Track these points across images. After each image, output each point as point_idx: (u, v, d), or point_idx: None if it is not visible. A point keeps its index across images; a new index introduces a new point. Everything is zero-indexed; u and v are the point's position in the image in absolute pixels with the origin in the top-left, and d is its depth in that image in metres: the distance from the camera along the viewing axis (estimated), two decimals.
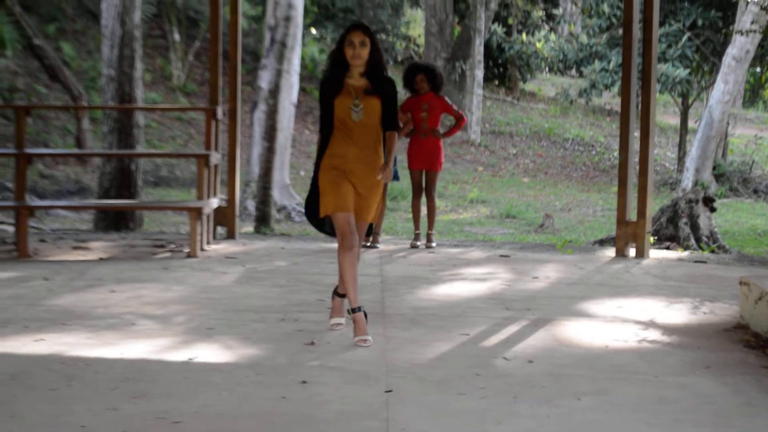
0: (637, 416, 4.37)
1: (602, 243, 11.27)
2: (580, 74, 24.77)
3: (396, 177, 8.64)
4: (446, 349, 5.51)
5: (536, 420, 4.26)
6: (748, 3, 17.72)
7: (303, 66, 20.28)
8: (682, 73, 20.40)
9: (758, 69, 19.94)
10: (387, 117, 5.69)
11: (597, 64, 22.27)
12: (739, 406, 4.57)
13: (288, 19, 14.70)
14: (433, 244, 9.70)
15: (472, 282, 7.76)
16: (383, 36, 27.76)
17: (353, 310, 5.52)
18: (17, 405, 4.35)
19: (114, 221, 12.40)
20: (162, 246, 9.20)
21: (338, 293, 5.84)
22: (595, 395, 4.67)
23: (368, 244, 9.33)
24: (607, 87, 22.34)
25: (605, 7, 21.86)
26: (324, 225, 5.73)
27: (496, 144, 24.56)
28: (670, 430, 4.21)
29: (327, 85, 5.70)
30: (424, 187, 9.62)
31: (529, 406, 4.44)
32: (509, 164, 23.32)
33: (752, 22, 16.84)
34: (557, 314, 6.45)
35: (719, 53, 20.14)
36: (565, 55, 23.88)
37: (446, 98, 9.68)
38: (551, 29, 29.72)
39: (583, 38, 23.15)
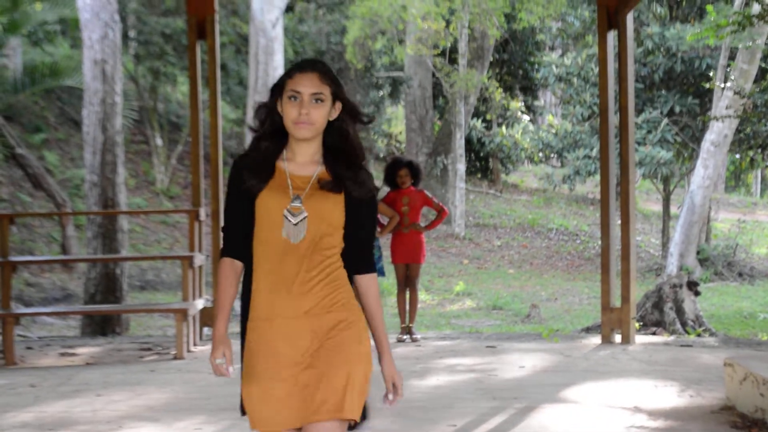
0: None
1: (588, 330, 11.25)
2: (562, 164, 25.04)
3: (381, 273, 8.68)
4: None
5: None
6: (723, 89, 18.05)
7: None
8: (664, 155, 20.62)
9: (737, 155, 20.21)
10: (361, 236, 3.10)
11: (580, 152, 22.50)
12: None
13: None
14: (417, 336, 9.71)
15: (459, 373, 7.77)
16: (364, 134, 28.04)
17: None
18: None
19: (101, 326, 12.38)
20: (149, 349, 9.14)
21: None
22: None
23: (404, 338, 9.58)
24: (590, 174, 22.52)
25: (587, 96, 22.18)
26: None
27: (481, 236, 24.63)
28: None
29: (250, 172, 3.06)
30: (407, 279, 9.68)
31: None
32: (494, 256, 23.37)
33: (727, 107, 17.14)
34: (544, 402, 6.41)
35: (698, 139, 20.41)
36: (545, 144, 24.14)
37: (426, 191, 9.81)
38: (531, 120, 30.12)
39: (567, 126, 23.42)
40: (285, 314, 3.03)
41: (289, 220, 3.00)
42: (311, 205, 3.01)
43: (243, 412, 3.22)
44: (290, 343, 3.02)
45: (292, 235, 3.00)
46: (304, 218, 3.00)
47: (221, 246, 3.15)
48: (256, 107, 3.18)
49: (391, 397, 3.09)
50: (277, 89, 3.09)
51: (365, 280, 3.13)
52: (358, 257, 3.11)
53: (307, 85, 3.01)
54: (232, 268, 3.08)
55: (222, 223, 3.17)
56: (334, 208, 3.04)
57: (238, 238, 3.08)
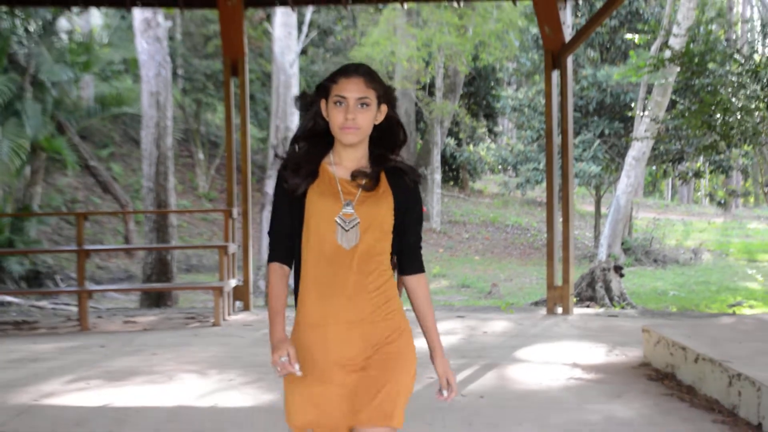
0: None
1: (537, 304, 11.26)
2: (516, 174, 25.03)
3: None
4: (416, 390, 5.49)
5: None
6: (642, 116, 18.07)
7: None
8: (595, 169, 20.65)
9: (653, 167, 20.25)
10: (411, 241, 2.56)
11: (530, 165, 22.51)
12: (645, 424, 4.61)
13: (286, 139, 14.89)
14: None
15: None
16: None
17: None
18: None
19: (155, 300, 12.41)
20: (193, 318, 9.16)
21: None
22: (532, 421, 4.70)
23: None
24: (537, 182, 22.52)
25: (535, 122, 22.16)
26: None
27: (453, 231, 24.62)
28: None
29: (290, 171, 2.49)
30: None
31: (478, 429, 4.47)
32: (463, 246, 23.39)
33: (645, 130, 17.15)
34: (502, 360, 6.43)
35: (622, 155, 20.40)
36: (503, 159, 24.14)
37: None
38: (492, 140, 30.10)
39: (520, 146, 23.43)
40: (337, 320, 2.43)
41: (342, 227, 2.40)
42: (363, 211, 2.42)
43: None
44: (340, 349, 2.43)
45: (344, 242, 2.41)
46: (357, 224, 2.41)
47: (269, 251, 2.55)
48: (299, 95, 2.56)
49: (445, 393, 2.57)
50: (321, 91, 2.48)
51: (414, 281, 2.55)
52: (409, 258, 2.54)
53: (353, 89, 2.41)
54: (282, 272, 2.52)
55: (268, 227, 2.57)
56: (385, 213, 2.45)
57: (284, 243, 2.50)
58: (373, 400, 2.40)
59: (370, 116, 2.44)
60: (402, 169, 2.51)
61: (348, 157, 2.48)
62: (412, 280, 2.55)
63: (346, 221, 2.41)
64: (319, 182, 2.45)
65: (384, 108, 2.49)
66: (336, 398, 2.43)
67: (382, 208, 2.45)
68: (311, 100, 2.51)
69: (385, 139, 2.52)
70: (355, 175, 2.45)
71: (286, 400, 2.49)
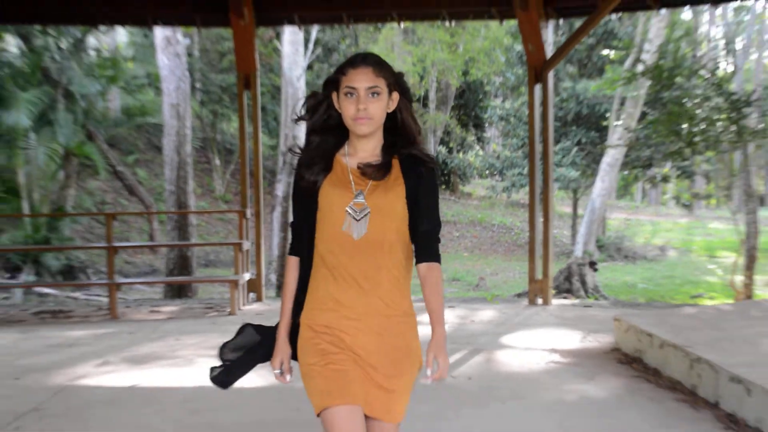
0: (543, 413, 4.44)
1: (519, 296, 11.20)
2: (502, 179, 25.08)
3: None
4: None
5: (474, 418, 4.32)
6: (616, 126, 18.12)
7: None
8: (573, 174, 20.70)
9: (625, 173, 20.30)
10: (423, 229, 2.24)
11: (515, 170, 22.54)
12: (615, 402, 4.63)
13: (294, 146, 14.91)
14: None
15: (427, 325, 7.75)
16: None
17: None
18: (117, 419, 4.42)
19: (177, 292, 12.43)
20: (211, 308, 9.12)
21: None
22: (515, 399, 4.72)
23: None
24: (521, 186, 22.59)
25: (520, 131, 22.20)
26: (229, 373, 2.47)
27: (444, 230, 24.63)
28: (566, 420, 4.28)
29: (304, 167, 2.26)
30: None
31: (469, 409, 4.49)
32: (454, 243, 23.42)
33: (618, 139, 17.20)
34: (489, 346, 6.42)
35: (598, 161, 20.43)
36: (490, 165, 24.18)
37: None
38: (481, 148, 30.13)
39: (506, 152, 23.45)
40: (350, 312, 2.20)
41: (353, 216, 2.17)
42: (374, 201, 2.17)
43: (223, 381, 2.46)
44: (352, 339, 2.20)
45: (355, 231, 2.17)
46: (367, 214, 2.17)
47: (290, 244, 2.34)
48: (306, 96, 2.32)
49: (429, 372, 2.18)
50: (331, 85, 2.24)
51: (425, 268, 2.26)
52: (421, 247, 2.25)
53: (362, 80, 2.16)
54: (298, 267, 2.31)
55: (290, 228, 2.33)
56: (395, 201, 2.19)
57: (302, 236, 2.27)
58: (379, 393, 2.19)
59: (382, 105, 2.19)
60: (417, 156, 2.24)
61: (362, 147, 2.25)
62: (423, 268, 2.27)
63: (357, 211, 2.18)
64: (332, 174, 2.23)
65: (396, 96, 2.24)
66: (352, 374, 2.17)
67: (393, 197, 2.19)
68: (322, 96, 2.27)
69: (398, 127, 2.27)
70: (361, 167, 2.22)
71: (310, 383, 2.22)
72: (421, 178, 2.22)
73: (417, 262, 2.26)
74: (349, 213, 2.18)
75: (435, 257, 2.27)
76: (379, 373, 2.19)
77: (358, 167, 2.22)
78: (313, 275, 2.26)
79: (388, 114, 2.24)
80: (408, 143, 2.25)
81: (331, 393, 2.14)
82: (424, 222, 2.23)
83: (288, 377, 2.31)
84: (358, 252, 2.17)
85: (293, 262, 2.32)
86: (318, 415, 2.18)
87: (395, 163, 2.24)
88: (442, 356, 2.18)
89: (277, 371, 2.30)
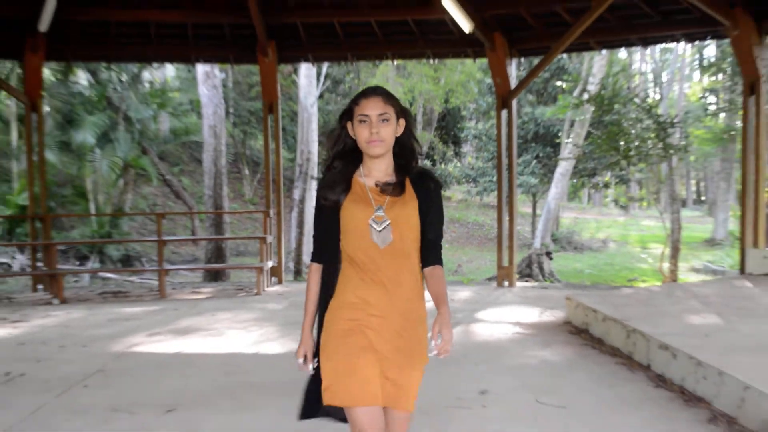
0: (509, 373, 4.42)
1: (490, 279, 11.19)
2: (476, 185, 25.03)
3: None
4: None
5: (452, 376, 4.31)
6: (566, 143, 18.11)
7: None
8: (533, 181, 20.68)
9: (575, 180, 20.29)
10: (430, 237, 2.15)
11: (486, 178, 22.52)
12: (566, 365, 4.63)
13: (308, 159, 14.90)
14: None
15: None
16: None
17: None
18: (165, 382, 4.38)
19: (214, 276, 12.39)
20: (241, 289, 9.14)
21: None
22: (486, 363, 4.72)
23: None
24: (492, 191, 22.59)
25: (490, 147, 22.19)
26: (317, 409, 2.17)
27: None
28: (527, 379, 4.26)
29: (327, 189, 2.12)
30: None
31: (447, 368, 4.50)
32: None
33: (568, 153, 17.19)
34: (465, 320, 6.43)
35: (552, 171, 20.44)
36: (466, 174, 24.12)
37: None
38: (458, 160, 30.09)
39: (479, 164, 23.40)
40: (376, 308, 2.07)
41: (375, 228, 2.06)
42: (393, 214, 2.08)
43: (326, 412, 2.16)
44: (376, 336, 2.06)
45: (379, 241, 2.06)
46: (388, 225, 2.07)
47: (312, 253, 2.21)
48: (328, 133, 2.21)
49: (433, 343, 2.03)
50: (346, 116, 2.15)
51: (430, 269, 2.15)
52: (428, 252, 2.15)
53: (374, 107, 2.08)
54: (319, 273, 2.19)
55: (313, 241, 2.21)
56: (411, 214, 2.10)
57: (324, 247, 2.16)
58: (402, 388, 2.07)
59: (392, 129, 2.09)
60: (425, 174, 2.16)
61: (376, 168, 2.13)
62: (429, 269, 2.15)
63: (379, 223, 2.07)
64: (352, 193, 2.12)
65: (402, 122, 2.15)
66: (372, 372, 2.03)
67: (409, 210, 2.10)
68: (339, 128, 2.17)
69: (405, 150, 2.16)
70: (379, 185, 2.11)
71: (330, 381, 2.04)
72: (429, 192, 2.14)
73: (424, 266, 2.16)
74: (372, 225, 2.07)
75: (439, 261, 2.18)
76: (394, 366, 2.06)
77: (377, 185, 2.12)
78: (340, 279, 2.13)
79: (397, 139, 2.14)
80: (414, 162, 2.17)
81: (353, 393, 1.99)
82: (431, 231, 2.15)
83: (310, 366, 2.17)
84: (382, 258, 2.06)
85: (315, 268, 2.19)
86: (327, 404, 2.07)
87: (407, 181, 2.15)
88: (446, 329, 2.03)
89: (300, 360, 2.18)
